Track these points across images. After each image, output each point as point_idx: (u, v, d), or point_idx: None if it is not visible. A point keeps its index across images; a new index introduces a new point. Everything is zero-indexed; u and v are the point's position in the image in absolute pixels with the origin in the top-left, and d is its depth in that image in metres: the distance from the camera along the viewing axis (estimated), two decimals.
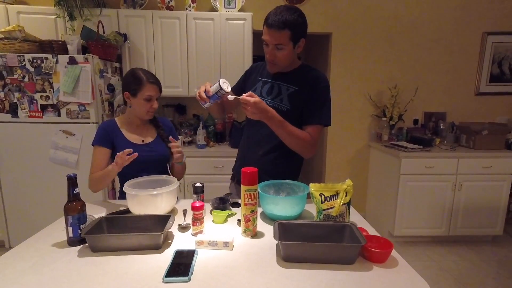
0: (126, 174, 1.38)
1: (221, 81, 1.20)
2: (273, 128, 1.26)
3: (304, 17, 1.23)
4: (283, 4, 1.25)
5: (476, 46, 3.16)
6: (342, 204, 1.05)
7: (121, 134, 1.45)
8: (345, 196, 1.05)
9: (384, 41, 3.12)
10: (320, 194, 1.06)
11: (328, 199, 1.06)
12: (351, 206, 1.13)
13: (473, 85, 3.24)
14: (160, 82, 1.45)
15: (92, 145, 1.43)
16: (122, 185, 1.46)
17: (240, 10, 2.81)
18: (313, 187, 1.08)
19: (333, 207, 1.05)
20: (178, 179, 1.54)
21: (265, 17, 1.23)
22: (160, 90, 1.44)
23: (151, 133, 1.52)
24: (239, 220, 1.16)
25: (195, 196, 1.21)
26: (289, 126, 1.27)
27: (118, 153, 1.27)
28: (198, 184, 1.22)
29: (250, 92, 1.20)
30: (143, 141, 1.48)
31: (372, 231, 1.10)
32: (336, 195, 1.06)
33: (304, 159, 1.44)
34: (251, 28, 2.75)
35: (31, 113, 2.30)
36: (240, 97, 1.17)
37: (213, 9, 2.85)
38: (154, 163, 1.44)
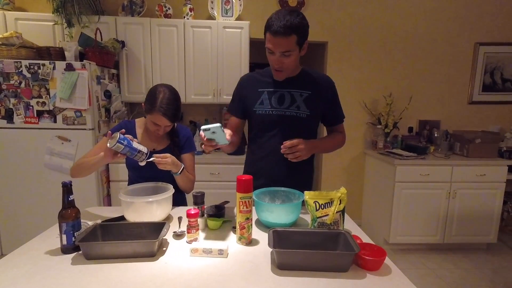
0: (134, 182, 1.38)
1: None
2: (320, 152, 1.39)
3: (306, 18, 1.20)
4: (281, 9, 1.23)
5: (468, 56, 3.23)
6: (336, 212, 1.06)
7: (134, 136, 1.42)
8: (339, 204, 1.06)
9: (379, 51, 3.18)
10: (315, 202, 1.07)
11: (322, 207, 1.06)
12: (345, 214, 1.14)
13: (466, 94, 3.29)
14: (175, 113, 1.33)
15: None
16: None
17: (237, 19, 2.85)
18: (307, 195, 1.09)
19: (328, 215, 1.05)
20: (187, 192, 1.52)
21: (266, 23, 1.18)
22: (172, 121, 1.34)
23: (164, 142, 1.48)
24: (234, 228, 1.16)
25: (195, 207, 1.20)
26: (327, 141, 1.41)
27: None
28: (198, 193, 1.21)
29: (292, 141, 1.23)
30: (154, 149, 1.45)
31: (366, 238, 1.10)
32: (330, 203, 1.07)
33: None
34: (248, 37, 2.78)
35: (26, 119, 2.30)
36: (284, 145, 1.23)
37: (211, 17, 2.89)
38: (162, 172, 1.36)
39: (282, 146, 1.25)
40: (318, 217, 1.06)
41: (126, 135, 1.21)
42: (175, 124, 1.51)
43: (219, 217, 1.23)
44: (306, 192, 1.10)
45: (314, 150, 1.35)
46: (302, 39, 1.19)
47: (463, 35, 3.19)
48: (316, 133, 1.45)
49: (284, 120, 1.34)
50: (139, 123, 1.50)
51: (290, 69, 1.28)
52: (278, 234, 1.00)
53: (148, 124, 1.39)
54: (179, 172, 1.36)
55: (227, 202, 1.38)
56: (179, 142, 1.49)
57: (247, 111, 1.42)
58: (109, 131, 1.23)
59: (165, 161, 1.29)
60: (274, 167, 1.38)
